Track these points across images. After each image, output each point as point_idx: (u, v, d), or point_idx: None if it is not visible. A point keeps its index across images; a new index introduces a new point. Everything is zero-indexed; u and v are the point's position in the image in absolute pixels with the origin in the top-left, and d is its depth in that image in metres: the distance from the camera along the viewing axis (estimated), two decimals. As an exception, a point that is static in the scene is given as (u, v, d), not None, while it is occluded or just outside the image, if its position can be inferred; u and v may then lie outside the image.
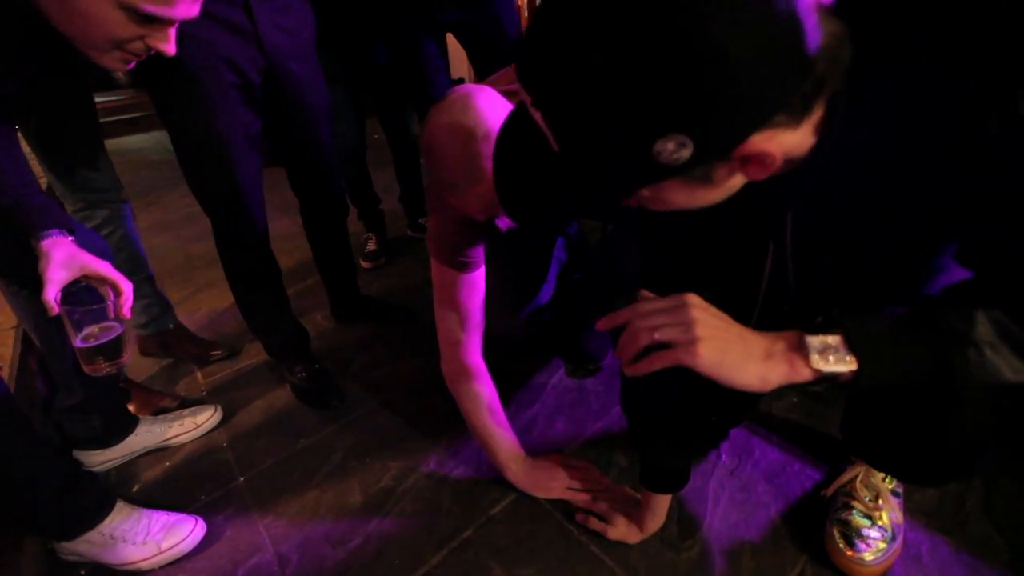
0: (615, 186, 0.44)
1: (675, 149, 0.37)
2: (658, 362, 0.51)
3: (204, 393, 1.36)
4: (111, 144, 1.37)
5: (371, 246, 1.96)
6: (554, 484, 0.98)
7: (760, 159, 0.41)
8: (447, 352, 1.00)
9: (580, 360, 1.31)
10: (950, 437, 0.59)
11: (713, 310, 0.52)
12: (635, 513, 0.90)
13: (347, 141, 1.78)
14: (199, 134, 1.02)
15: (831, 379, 0.48)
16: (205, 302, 1.66)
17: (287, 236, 2.14)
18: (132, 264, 1.35)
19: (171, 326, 1.46)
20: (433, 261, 0.95)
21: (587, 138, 0.40)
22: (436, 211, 0.94)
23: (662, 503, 0.89)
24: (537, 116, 0.41)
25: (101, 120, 1.26)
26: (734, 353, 0.49)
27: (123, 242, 1.33)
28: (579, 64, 0.36)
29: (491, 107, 0.75)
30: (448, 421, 1.18)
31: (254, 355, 1.47)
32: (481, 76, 1.85)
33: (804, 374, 0.48)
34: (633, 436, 0.89)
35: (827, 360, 0.47)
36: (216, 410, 1.25)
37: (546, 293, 1.19)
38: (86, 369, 0.82)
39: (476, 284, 0.96)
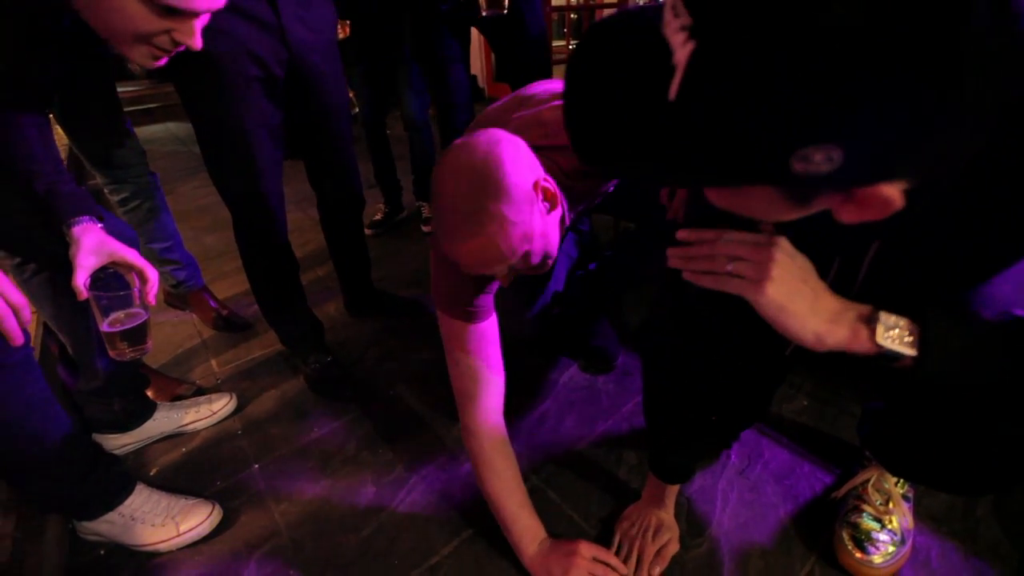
0: (711, 170, 0.34)
1: (820, 161, 0.29)
2: (725, 286, 0.51)
3: (219, 381, 1.38)
4: (133, 134, 1.39)
5: (378, 216, 2.15)
6: (573, 574, 0.83)
7: (873, 203, 0.35)
8: (462, 409, 0.92)
9: (591, 360, 1.32)
10: (1002, 448, 0.55)
11: (800, 259, 0.51)
12: (659, 515, 0.90)
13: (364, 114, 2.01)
14: (222, 125, 1.03)
15: (890, 358, 0.48)
16: (219, 292, 1.67)
17: (302, 228, 2.17)
18: (162, 232, 1.45)
19: (199, 287, 1.60)
20: (438, 312, 0.90)
21: (726, 105, 0.29)
22: (437, 260, 0.89)
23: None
24: (683, 48, 0.30)
25: (115, 111, 1.30)
26: (800, 303, 0.49)
27: (151, 213, 1.42)
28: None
29: (514, 162, 0.68)
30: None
31: (268, 345, 1.49)
32: (499, 69, 1.87)
33: (865, 346, 0.48)
34: (649, 438, 0.90)
35: (891, 337, 0.47)
36: (231, 398, 1.27)
37: (554, 287, 1.19)
38: (111, 353, 0.84)
39: (487, 335, 0.89)
